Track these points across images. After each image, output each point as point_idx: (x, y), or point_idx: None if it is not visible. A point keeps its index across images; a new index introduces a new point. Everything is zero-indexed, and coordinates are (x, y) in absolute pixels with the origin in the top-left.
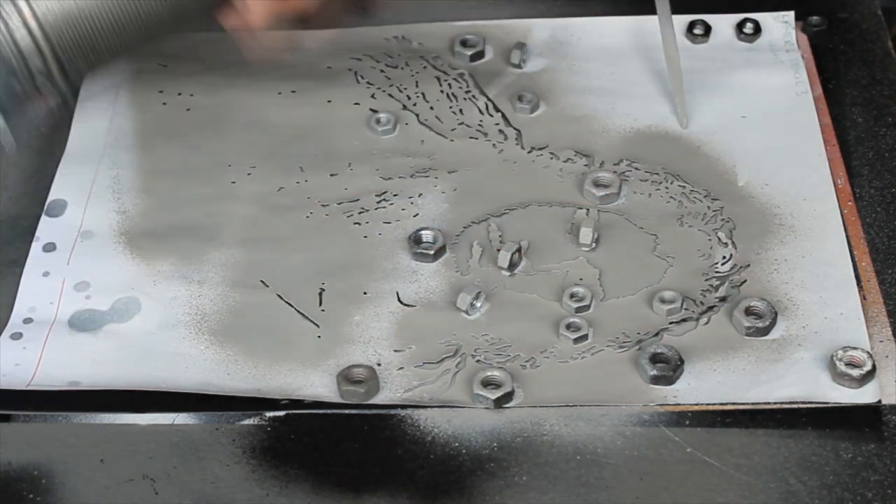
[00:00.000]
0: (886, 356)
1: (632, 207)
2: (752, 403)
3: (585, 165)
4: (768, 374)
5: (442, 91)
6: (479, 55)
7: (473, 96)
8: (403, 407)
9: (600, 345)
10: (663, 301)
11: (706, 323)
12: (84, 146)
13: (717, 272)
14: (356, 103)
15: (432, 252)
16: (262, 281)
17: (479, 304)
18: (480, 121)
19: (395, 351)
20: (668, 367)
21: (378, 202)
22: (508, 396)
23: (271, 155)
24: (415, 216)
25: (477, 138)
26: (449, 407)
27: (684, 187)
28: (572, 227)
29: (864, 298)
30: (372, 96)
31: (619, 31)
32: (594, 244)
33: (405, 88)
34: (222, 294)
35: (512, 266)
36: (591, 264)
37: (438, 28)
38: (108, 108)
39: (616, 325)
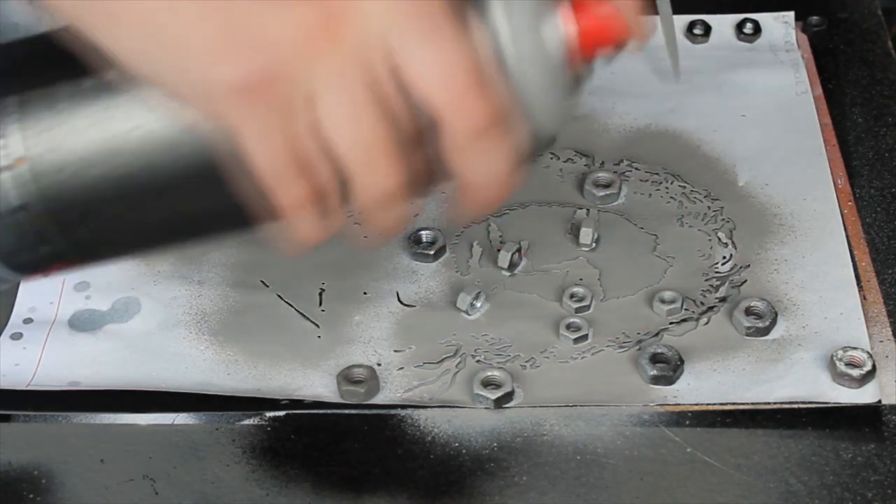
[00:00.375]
0: (886, 356)
1: (632, 207)
2: (752, 403)
3: (585, 165)
4: (768, 374)
5: None
6: None
7: None
8: (403, 407)
9: (600, 345)
10: (663, 301)
11: (706, 323)
12: None
13: (717, 272)
14: None
15: (432, 252)
16: (262, 281)
17: (479, 304)
18: None
19: (395, 351)
20: (668, 367)
21: None
22: (508, 396)
23: None
24: (415, 216)
25: None
26: (449, 407)
27: (684, 187)
28: (572, 227)
29: (864, 298)
30: None
31: None
32: (594, 244)
33: None
34: (222, 294)
35: (512, 266)
36: (591, 264)
37: None
38: None
39: (616, 325)
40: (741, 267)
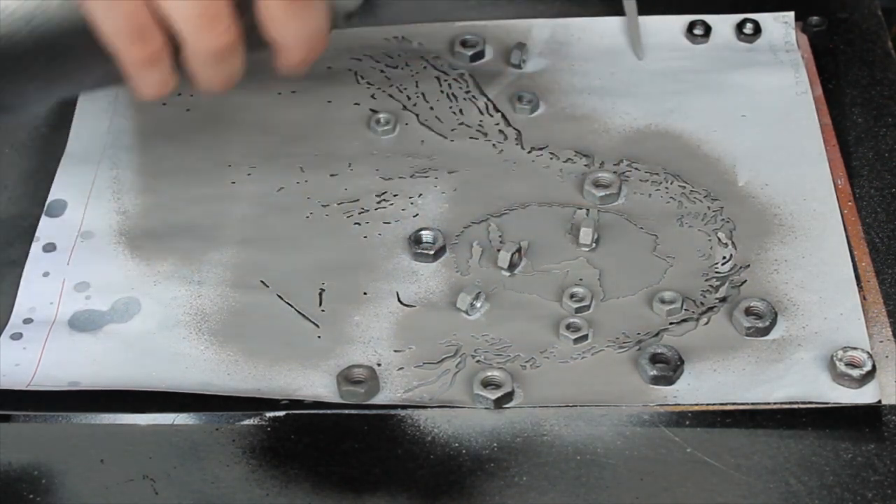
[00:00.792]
0: (886, 356)
1: (632, 207)
2: (752, 403)
3: (585, 165)
4: (768, 374)
5: (442, 91)
6: (479, 55)
7: (473, 96)
8: (403, 407)
9: (600, 345)
10: (663, 301)
11: (706, 323)
12: (84, 146)
13: (717, 272)
14: (356, 103)
15: (432, 252)
16: (262, 281)
17: (479, 305)
18: (480, 121)
19: (395, 351)
20: (668, 368)
21: (378, 202)
22: (508, 397)
23: (271, 155)
24: (415, 216)
25: (477, 138)
26: (449, 407)
27: (684, 187)
28: (572, 227)
29: (864, 298)
30: (372, 96)
31: (620, 31)
32: (594, 244)
33: (405, 89)
34: (222, 294)
35: (512, 266)
36: (591, 264)
37: (438, 28)
38: (108, 107)
39: (616, 326)
40: (741, 267)
